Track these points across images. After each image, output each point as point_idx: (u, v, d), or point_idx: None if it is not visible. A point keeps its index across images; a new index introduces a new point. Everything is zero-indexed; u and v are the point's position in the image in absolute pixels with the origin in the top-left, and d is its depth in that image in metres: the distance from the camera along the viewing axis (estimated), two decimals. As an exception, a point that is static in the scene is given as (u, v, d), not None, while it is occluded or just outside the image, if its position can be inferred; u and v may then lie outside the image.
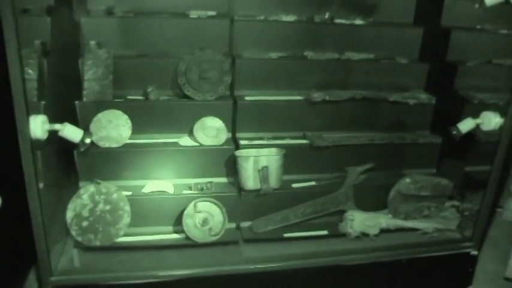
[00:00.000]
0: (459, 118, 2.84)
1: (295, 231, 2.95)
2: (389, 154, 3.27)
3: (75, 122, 2.62)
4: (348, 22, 3.40)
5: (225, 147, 2.98)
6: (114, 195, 2.70)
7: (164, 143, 2.96)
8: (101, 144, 2.81)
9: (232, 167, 2.98)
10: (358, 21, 3.43)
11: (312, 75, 3.25)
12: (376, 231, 2.95)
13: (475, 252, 2.91)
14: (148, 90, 2.98)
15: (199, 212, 2.77)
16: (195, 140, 2.96)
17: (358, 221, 2.94)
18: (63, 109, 2.74)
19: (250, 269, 2.67)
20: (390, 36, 3.46)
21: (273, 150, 2.94)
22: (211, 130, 2.96)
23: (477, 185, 3.18)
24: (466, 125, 2.78)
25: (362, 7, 3.51)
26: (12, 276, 2.60)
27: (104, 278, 2.51)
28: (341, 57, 3.33)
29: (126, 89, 3.02)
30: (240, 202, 2.93)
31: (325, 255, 2.80)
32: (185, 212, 2.76)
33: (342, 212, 3.01)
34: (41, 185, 2.25)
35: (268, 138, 3.10)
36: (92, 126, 2.80)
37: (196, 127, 2.95)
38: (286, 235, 2.93)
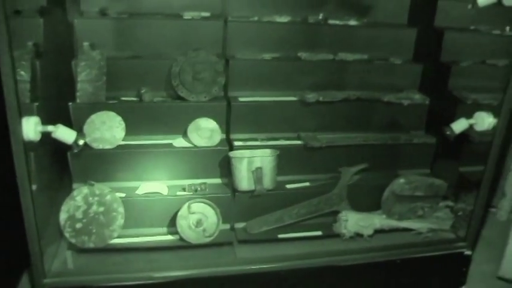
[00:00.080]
0: (453, 118, 2.85)
1: (290, 232, 2.95)
2: (384, 154, 3.27)
3: (68, 124, 2.61)
4: (342, 23, 3.40)
5: (219, 148, 2.98)
6: (108, 197, 2.70)
7: (158, 144, 2.96)
8: (95, 145, 2.81)
9: (226, 168, 2.98)
10: (352, 22, 3.43)
11: (306, 76, 3.25)
12: (370, 231, 2.95)
13: (468, 252, 2.92)
14: (142, 91, 2.97)
15: (193, 213, 2.77)
16: (189, 141, 2.95)
17: (352, 222, 2.94)
18: (57, 111, 2.73)
19: (245, 270, 2.67)
20: (384, 37, 3.46)
21: (267, 151, 2.94)
22: (205, 131, 2.96)
23: (471, 185, 3.19)
24: (459, 125, 2.79)
25: (356, 8, 3.51)
26: (5, 278, 2.59)
27: (98, 280, 2.50)
28: (335, 58, 3.33)
29: (119, 91, 3.01)
30: (234, 203, 2.93)
31: (320, 255, 2.80)
32: (179, 213, 2.75)
33: (336, 213, 3.01)
34: (34, 187, 2.25)
35: (262, 139, 3.10)
36: (86, 128, 2.79)
37: (190, 128, 2.95)
38: (280, 236, 2.93)
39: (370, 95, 3.24)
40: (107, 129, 2.82)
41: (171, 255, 2.73)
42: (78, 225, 2.65)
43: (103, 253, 2.68)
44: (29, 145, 2.15)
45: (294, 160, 3.11)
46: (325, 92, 3.18)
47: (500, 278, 3.00)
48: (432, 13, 3.54)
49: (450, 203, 3.20)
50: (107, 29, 3.03)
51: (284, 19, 3.33)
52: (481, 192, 2.79)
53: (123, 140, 2.87)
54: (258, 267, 2.68)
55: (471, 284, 2.96)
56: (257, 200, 2.92)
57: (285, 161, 2.99)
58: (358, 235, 2.94)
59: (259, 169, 2.84)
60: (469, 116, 2.80)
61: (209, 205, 2.80)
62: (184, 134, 2.98)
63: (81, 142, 2.50)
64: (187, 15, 3.19)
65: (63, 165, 2.81)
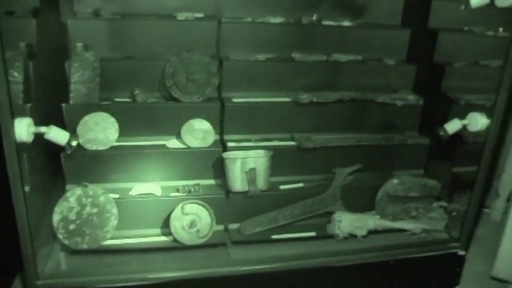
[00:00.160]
0: (446, 119, 2.86)
1: (283, 233, 2.95)
2: (377, 155, 3.28)
3: (62, 125, 2.60)
4: (335, 24, 3.41)
5: (213, 149, 2.97)
6: (101, 198, 2.69)
7: (151, 145, 2.95)
8: (88, 146, 2.80)
9: (219, 169, 2.98)
10: (346, 23, 3.43)
11: (300, 77, 3.25)
12: (364, 232, 2.96)
13: (462, 253, 2.93)
14: (136, 92, 2.96)
15: (186, 214, 2.76)
16: (183, 142, 2.95)
17: (346, 222, 2.94)
18: (50, 112, 2.72)
19: (239, 271, 2.66)
20: (378, 38, 3.47)
21: (261, 152, 2.94)
22: (198, 132, 2.96)
23: (464, 186, 3.20)
24: (453, 126, 2.80)
25: (350, 9, 3.52)
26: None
27: (91, 281, 2.49)
28: (329, 58, 3.33)
29: (113, 92, 2.99)
30: (228, 204, 2.92)
31: (314, 256, 2.80)
32: (173, 215, 2.75)
33: (329, 214, 3.01)
34: (26, 188, 2.25)
35: (256, 140, 3.10)
36: (79, 129, 2.78)
37: (184, 129, 2.94)
38: (274, 237, 2.93)
39: (364, 95, 3.24)
40: (101, 131, 2.81)
41: (164, 257, 2.73)
42: (72, 227, 2.64)
43: (96, 254, 2.68)
44: (21, 146, 2.14)
45: (288, 161, 3.11)
46: (319, 92, 3.18)
47: (494, 278, 3.01)
48: (426, 14, 3.55)
49: (444, 204, 3.20)
50: (100, 30, 3.02)
51: (278, 20, 3.33)
52: (474, 193, 2.80)
53: (116, 141, 2.86)
54: (252, 268, 2.68)
55: (465, 284, 2.97)
56: (251, 201, 2.92)
57: (279, 161, 2.99)
58: (352, 236, 2.94)
59: (252, 170, 2.84)
60: (462, 116, 2.81)
61: (203, 206, 2.79)
62: (178, 135, 2.98)
63: (74, 143, 2.50)
64: (181, 16, 3.18)
65: (56, 167, 2.80)
